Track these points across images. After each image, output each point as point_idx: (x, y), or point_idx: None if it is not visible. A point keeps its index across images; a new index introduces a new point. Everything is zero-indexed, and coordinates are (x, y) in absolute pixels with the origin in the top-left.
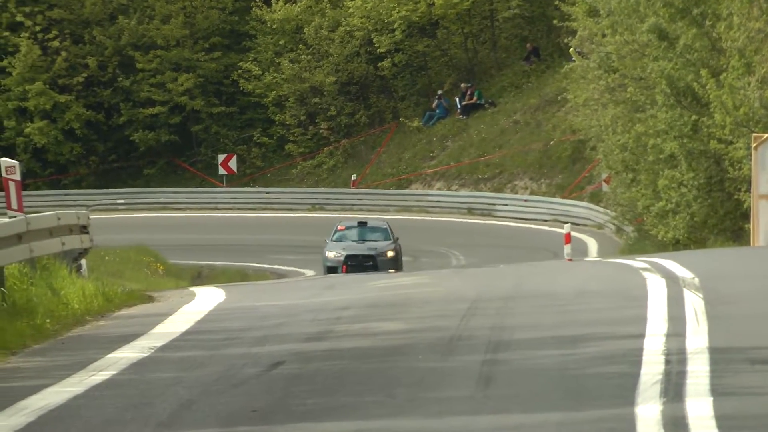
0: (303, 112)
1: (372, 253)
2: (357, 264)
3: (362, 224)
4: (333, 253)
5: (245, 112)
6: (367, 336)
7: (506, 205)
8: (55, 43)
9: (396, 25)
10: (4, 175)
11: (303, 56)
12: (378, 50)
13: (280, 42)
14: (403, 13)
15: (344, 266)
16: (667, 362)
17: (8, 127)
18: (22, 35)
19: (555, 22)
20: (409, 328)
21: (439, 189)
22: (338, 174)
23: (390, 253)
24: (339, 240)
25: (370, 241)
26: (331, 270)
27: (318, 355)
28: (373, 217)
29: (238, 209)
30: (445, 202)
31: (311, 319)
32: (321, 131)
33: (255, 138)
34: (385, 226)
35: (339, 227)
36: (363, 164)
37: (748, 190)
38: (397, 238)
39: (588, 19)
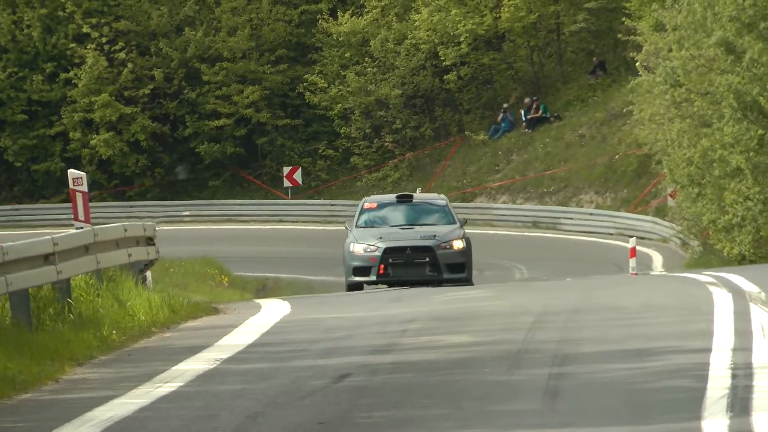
0: (368, 125)
1: (428, 243)
2: (404, 262)
3: (405, 199)
4: (362, 246)
5: (310, 125)
6: (433, 349)
7: (571, 218)
8: (122, 55)
9: (462, 38)
10: (71, 186)
11: (369, 69)
12: (444, 63)
13: (346, 55)
14: (469, 26)
15: (381, 266)
16: (734, 377)
17: (74, 138)
18: (88, 47)
19: (620, 36)
20: (476, 341)
21: (503, 202)
22: (403, 187)
23: (458, 244)
24: (369, 225)
25: (421, 225)
26: (360, 272)
27: (384, 367)
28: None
29: (303, 222)
30: (509, 216)
31: (377, 331)
32: (386, 144)
33: (320, 151)
34: (443, 203)
35: (366, 204)
36: (428, 177)
37: None
38: (465, 221)
39: (654, 34)
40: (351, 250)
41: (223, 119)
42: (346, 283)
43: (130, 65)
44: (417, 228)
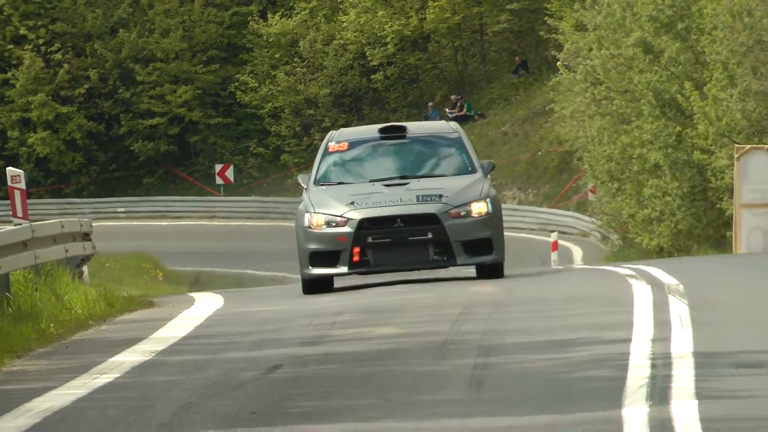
0: (298, 123)
1: (430, 209)
2: (392, 241)
3: (394, 133)
4: (322, 217)
5: (242, 123)
6: (361, 340)
7: None
8: (58, 56)
9: (388, 39)
10: (9, 183)
11: (298, 69)
12: (371, 63)
13: (276, 55)
14: (395, 27)
15: (356, 249)
16: (653, 366)
17: (12, 137)
18: (25, 48)
19: (542, 35)
20: (403, 332)
21: None
22: None
23: (479, 207)
24: (335, 180)
25: (420, 177)
26: (321, 260)
27: (314, 358)
28: (421, 123)
29: (236, 218)
30: None
31: (307, 324)
32: (315, 142)
33: (251, 149)
34: (455, 135)
35: (332, 144)
36: None
37: (731, 199)
38: (493, 166)
39: (575, 34)
40: (306, 223)
41: (156, 118)
42: (302, 279)
43: (66, 66)
44: (413, 183)
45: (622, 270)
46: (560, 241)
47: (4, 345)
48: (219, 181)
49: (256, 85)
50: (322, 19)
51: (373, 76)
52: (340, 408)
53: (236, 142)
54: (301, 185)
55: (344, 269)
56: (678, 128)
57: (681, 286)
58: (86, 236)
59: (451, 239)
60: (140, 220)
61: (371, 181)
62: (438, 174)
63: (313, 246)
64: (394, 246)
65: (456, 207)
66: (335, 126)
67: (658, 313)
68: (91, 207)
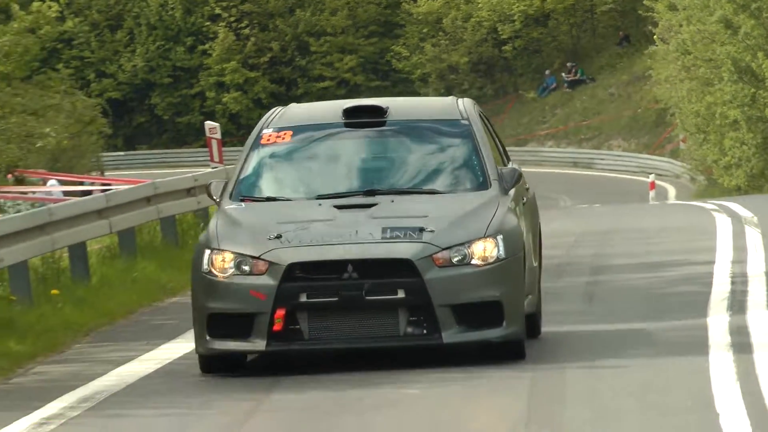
0: (442, 87)
1: (402, 251)
2: (338, 302)
3: (367, 116)
4: (229, 257)
5: (396, 86)
6: None
7: (603, 159)
8: (246, 31)
9: (516, 17)
10: (207, 134)
11: (442, 41)
12: (501, 37)
13: (424, 30)
14: (521, 7)
15: (280, 312)
16: (733, 283)
17: (209, 97)
18: (219, 24)
19: (641, 13)
20: None
21: (549, 146)
22: None
23: (487, 249)
24: (260, 193)
25: (392, 194)
26: (224, 328)
27: None
28: (400, 99)
29: None
30: (554, 157)
31: None
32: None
33: None
34: (464, 123)
35: (267, 133)
36: None
37: None
38: (519, 176)
39: (668, 12)
40: (204, 266)
41: (327, 81)
42: (198, 353)
43: (252, 39)
44: (383, 204)
45: (708, 205)
46: (657, 182)
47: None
48: None
49: (408, 54)
50: (462, 1)
51: (503, 48)
52: None
53: None
54: (213, 198)
55: (260, 345)
56: (752, 90)
57: (755, 218)
58: None
59: (435, 302)
60: None
61: (318, 197)
62: (426, 189)
63: (213, 304)
64: (343, 310)
65: (445, 249)
66: (472, 90)
67: (737, 240)
68: None
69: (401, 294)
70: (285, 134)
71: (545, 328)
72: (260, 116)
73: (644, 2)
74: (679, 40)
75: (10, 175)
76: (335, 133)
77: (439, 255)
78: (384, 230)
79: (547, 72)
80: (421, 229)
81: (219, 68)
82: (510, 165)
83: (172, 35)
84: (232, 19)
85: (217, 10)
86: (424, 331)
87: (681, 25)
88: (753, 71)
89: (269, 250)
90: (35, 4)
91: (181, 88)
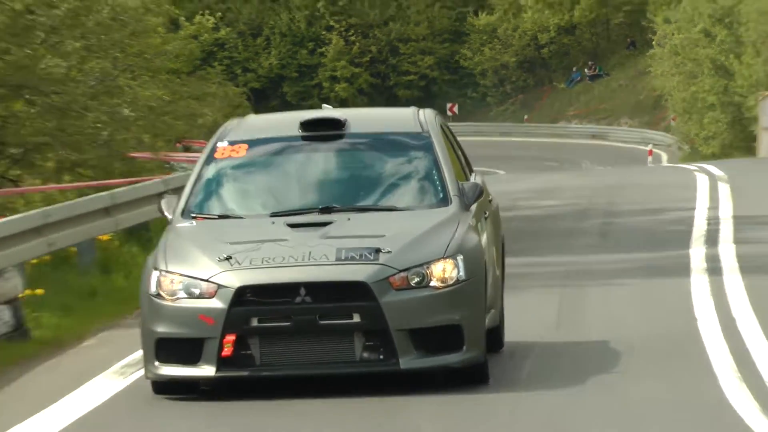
0: (496, 79)
1: (357, 274)
2: (291, 327)
3: (325, 128)
4: (177, 279)
5: (463, 79)
6: (535, 208)
7: (615, 133)
8: (352, 38)
9: (551, 27)
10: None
11: (497, 46)
12: (540, 42)
13: (483, 37)
14: (555, 20)
15: (229, 337)
16: (708, 224)
17: (325, 86)
18: (333, 33)
19: (645, 24)
20: (560, 203)
21: (575, 123)
22: (510, 116)
23: (446, 270)
24: (211, 210)
25: (349, 211)
26: (173, 354)
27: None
28: (361, 111)
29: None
30: (578, 132)
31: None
32: (507, 90)
33: (468, 94)
34: (425, 136)
35: (222, 146)
36: (532, 110)
37: (756, 125)
38: (481, 191)
39: (664, 24)
40: (152, 288)
41: (411, 75)
42: (148, 378)
43: (357, 44)
44: (339, 222)
45: (691, 167)
46: (654, 150)
47: None
48: (449, 114)
49: (471, 55)
50: (511, 16)
51: (541, 50)
52: (558, 245)
53: (459, 90)
54: (165, 215)
55: (209, 370)
56: (725, 82)
57: (726, 176)
58: None
59: (392, 326)
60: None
61: (272, 215)
62: (384, 206)
63: (161, 328)
64: (296, 335)
65: (403, 270)
66: (518, 84)
67: (712, 193)
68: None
69: (357, 318)
70: (240, 147)
71: (571, 257)
72: (363, 102)
73: (647, 16)
74: (672, 44)
75: (178, 144)
76: (292, 147)
77: (396, 277)
78: (338, 251)
79: (574, 69)
80: (378, 250)
81: (332, 65)
82: (473, 178)
83: (298, 41)
84: (342, 29)
85: (331, 22)
86: (381, 357)
87: (673, 34)
88: (726, 68)
89: (219, 272)
90: (197, 18)
91: (305, 80)
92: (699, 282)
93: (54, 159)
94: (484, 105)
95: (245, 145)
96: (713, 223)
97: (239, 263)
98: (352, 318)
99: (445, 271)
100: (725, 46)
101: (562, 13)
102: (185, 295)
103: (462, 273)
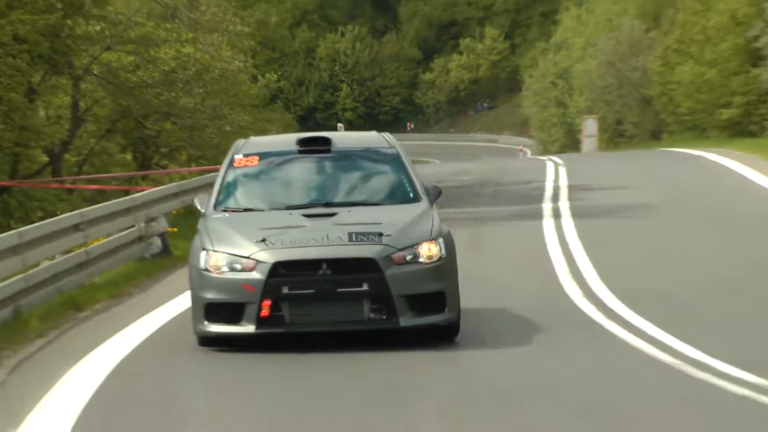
0: (435, 109)
1: (367, 251)
2: (315, 293)
3: (317, 146)
4: (223, 257)
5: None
6: (456, 181)
7: (501, 139)
8: (355, 86)
9: (466, 80)
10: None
11: (436, 90)
12: (460, 88)
13: (428, 86)
14: (469, 76)
15: (267, 302)
16: (553, 189)
17: (340, 114)
18: (344, 84)
19: (517, 77)
20: (470, 178)
21: (480, 134)
22: (447, 129)
23: (430, 249)
24: (241, 205)
25: (351, 204)
26: (220, 314)
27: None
28: (342, 133)
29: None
30: (481, 138)
31: None
32: (441, 115)
33: None
34: (392, 151)
35: (239, 158)
36: (455, 126)
37: (580, 134)
38: (439, 192)
39: (529, 78)
40: (202, 264)
41: (387, 107)
42: (196, 333)
43: (357, 90)
44: (342, 213)
45: (543, 158)
46: (523, 148)
47: None
48: (408, 129)
49: (421, 96)
50: (444, 74)
51: (460, 93)
52: (462, 197)
53: (415, 116)
54: (197, 209)
55: (250, 328)
56: (563, 110)
57: (563, 162)
58: None
59: (394, 293)
60: None
61: (287, 208)
62: (373, 202)
63: (210, 295)
64: (318, 300)
65: (401, 250)
66: (448, 112)
67: (556, 173)
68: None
69: (365, 287)
70: (253, 159)
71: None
72: (361, 122)
73: (520, 73)
74: (533, 89)
75: None
76: (293, 158)
77: (396, 255)
78: (350, 235)
79: (478, 103)
80: (380, 234)
81: (343, 102)
82: (431, 184)
83: (324, 88)
84: (349, 81)
85: (342, 77)
86: (384, 317)
87: (534, 83)
88: (564, 103)
89: (257, 251)
90: (268, 75)
91: (328, 110)
92: (548, 222)
93: (186, 154)
94: (428, 123)
95: (257, 157)
96: (556, 189)
97: (273, 244)
98: (361, 286)
99: (431, 250)
100: (563, 90)
101: (472, 72)
102: (228, 269)
103: (443, 252)
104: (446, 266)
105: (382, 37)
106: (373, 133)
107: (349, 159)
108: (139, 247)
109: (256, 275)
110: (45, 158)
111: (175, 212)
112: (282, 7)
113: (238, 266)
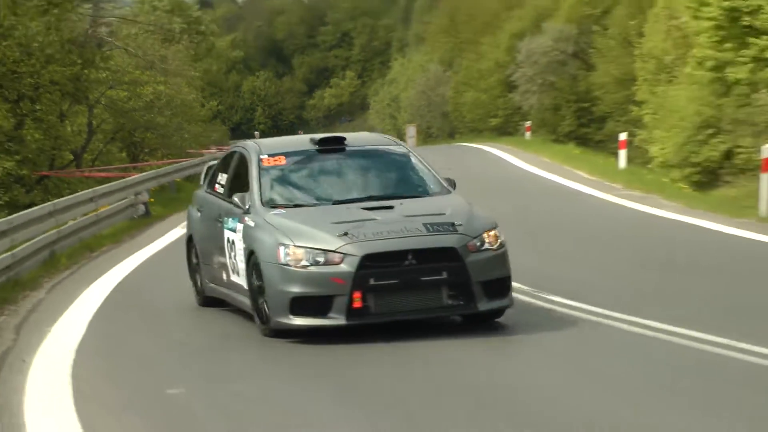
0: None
1: (448, 240)
2: (400, 283)
3: (333, 144)
4: (304, 252)
5: None
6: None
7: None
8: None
9: (332, 108)
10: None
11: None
12: (331, 108)
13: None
14: (335, 102)
15: (357, 293)
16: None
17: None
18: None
19: (358, 102)
20: None
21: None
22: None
23: (494, 237)
24: (286, 199)
25: (398, 197)
26: (306, 308)
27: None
28: (351, 133)
29: None
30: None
31: None
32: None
33: None
34: (402, 149)
35: (265, 158)
36: (330, 131)
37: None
38: (454, 184)
39: (374, 102)
40: (282, 259)
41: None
42: (270, 327)
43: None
44: (397, 206)
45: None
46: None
47: None
48: None
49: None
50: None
51: (331, 111)
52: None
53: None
54: (239, 206)
55: (341, 320)
56: (394, 121)
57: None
58: None
59: (473, 279)
60: None
61: (335, 202)
62: (414, 194)
63: (295, 289)
64: (401, 289)
65: (474, 238)
66: (324, 123)
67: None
68: None
69: (444, 275)
70: (280, 158)
71: None
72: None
73: (367, 100)
74: (376, 108)
75: (211, 147)
76: (315, 157)
77: (470, 243)
78: (426, 226)
79: (342, 117)
80: (453, 224)
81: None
82: (446, 178)
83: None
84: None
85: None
86: (461, 302)
87: (375, 101)
88: (394, 116)
89: (343, 245)
90: (209, 103)
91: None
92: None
93: (161, 153)
94: (313, 132)
95: (283, 156)
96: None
97: (356, 237)
98: (441, 275)
99: (495, 238)
100: (394, 109)
101: (339, 99)
102: (310, 264)
103: (502, 238)
104: (506, 252)
105: (282, 78)
106: (376, 134)
107: (367, 157)
108: (130, 211)
109: (344, 268)
110: (71, 157)
111: (153, 189)
112: (220, 60)
113: (321, 260)
